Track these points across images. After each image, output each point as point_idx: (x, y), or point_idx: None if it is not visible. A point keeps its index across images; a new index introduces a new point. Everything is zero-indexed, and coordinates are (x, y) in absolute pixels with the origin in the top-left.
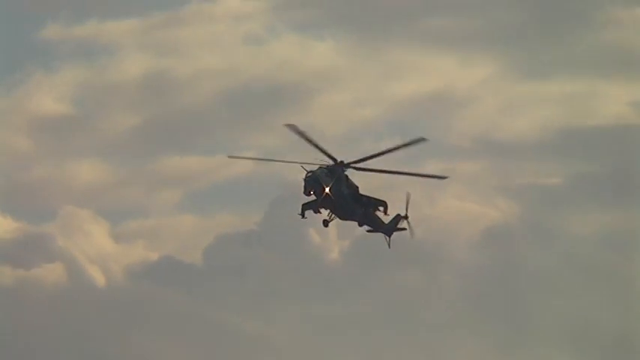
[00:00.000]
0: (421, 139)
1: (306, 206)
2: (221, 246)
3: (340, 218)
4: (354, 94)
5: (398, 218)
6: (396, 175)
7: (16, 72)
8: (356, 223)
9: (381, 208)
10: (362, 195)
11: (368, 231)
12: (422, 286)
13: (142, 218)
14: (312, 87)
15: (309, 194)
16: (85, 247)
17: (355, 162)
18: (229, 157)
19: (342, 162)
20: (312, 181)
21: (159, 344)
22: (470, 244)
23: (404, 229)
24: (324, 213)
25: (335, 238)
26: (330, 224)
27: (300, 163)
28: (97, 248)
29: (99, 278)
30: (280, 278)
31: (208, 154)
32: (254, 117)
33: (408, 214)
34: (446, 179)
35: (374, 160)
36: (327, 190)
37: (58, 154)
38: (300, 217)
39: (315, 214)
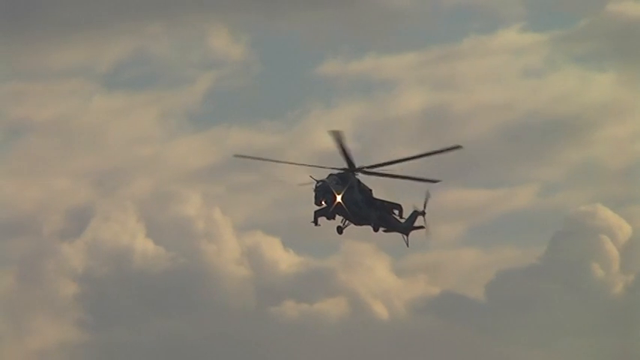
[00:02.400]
0: (457, 147)
1: (318, 213)
2: (503, 280)
3: (355, 224)
4: (635, 126)
5: (415, 215)
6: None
7: (295, 107)
8: (371, 228)
9: (396, 212)
10: (376, 199)
11: (384, 231)
12: None
13: (423, 252)
14: (592, 119)
15: (320, 204)
16: (367, 281)
17: (369, 167)
18: (235, 156)
19: (350, 167)
20: (323, 191)
21: None
22: None
23: (421, 227)
24: (338, 219)
25: (618, 272)
26: (344, 230)
27: (310, 165)
28: (379, 283)
29: (381, 312)
30: (564, 313)
31: (488, 187)
32: (533, 150)
33: (426, 211)
34: None
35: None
36: (338, 198)
37: None
38: (313, 224)
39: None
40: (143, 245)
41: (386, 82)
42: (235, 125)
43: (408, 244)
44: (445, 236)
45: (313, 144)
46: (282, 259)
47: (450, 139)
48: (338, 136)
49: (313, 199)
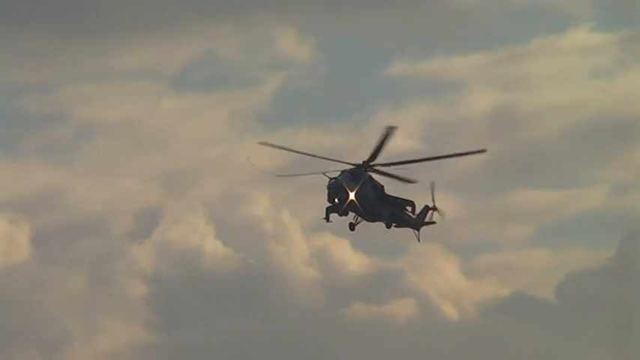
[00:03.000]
0: (482, 150)
1: (330, 209)
2: (573, 281)
3: (367, 221)
4: None
5: (426, 210)
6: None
7: (363, 108)
8: (384, 225)
9: (409, 208)
10: (388, 195)
11: (396, 226)
12: None
13: (492, 253)
14: None
15: (333, 202)
16: (436, 282)
17: (383, 164)
18: (260, 143)
19: (365, 162)
20: (336, 188)
21: None
22: None
23: (433, 222)
24: (350, 216)
25: None
26: (356, 227)
27: (324, 158)
28: (448, 284)
29: (451, 314)
30: (635, 314)
31: (558, 188)
32: (603, 151)
33: (436, 205)
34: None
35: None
36: (351, 195)
37: (406, 188)
38: (325, 220)
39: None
40: (212, 246)
41: (454, 83)
42: (304, 126)
43: (419, 240)
44: (515, 237)
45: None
46: (352, 260)
47: (518, 139)
48: (389, 132)
49: (326, 197)
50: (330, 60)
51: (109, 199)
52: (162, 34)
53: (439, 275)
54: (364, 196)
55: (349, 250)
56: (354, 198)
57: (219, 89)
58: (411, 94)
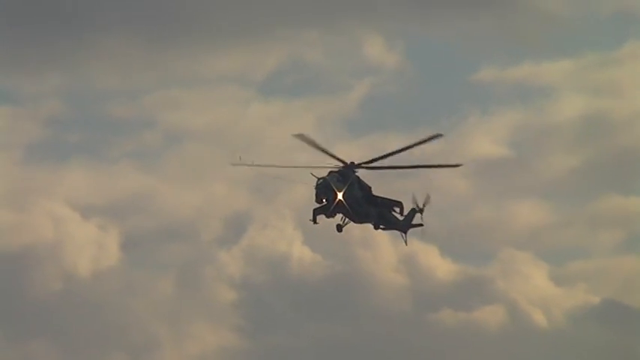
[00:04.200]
0: (438, 135)
1: (317, 211)
2: None
3: (355, 222)
4: None
5: (413, 212)
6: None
7: (452, 114)
8: (371, 226)
9: (397, 209)
10: (376, 196)
11: (383, 228)
12: None
13: (582, 260)
14: None
15: (321, 202)
16: (525, 289)
17: (366, 162)
18: (232, 164)
19: (352, 163)
20: (324, 188)
21: None
22: None
23: (420, 224)
24: (337, 217)
25: None
26: (343, 228)
27: (311, 167)
28: (537, 291)
29: (540, 321)
30: None
31: None
32: None
33: (424, 209)
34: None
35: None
36: (339, 196)
37: (496, 195)
38: (312, 222)
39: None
40: (300, 252)
41: (543, 89)
42: (392, 132)
43: (406, 243)
44: (605, 243)
45: (471, 151)
46: (440, 266)
47: (608, 145)
48: (304, 139)
49: (314, 197)
50: (417, 66)
51: (197, 204)
52: (250, 40)
53: (528, 282)
54: (352, 197)
55: (437, 257)
56: (342, 198)
57: (306, 95)
58: (500, 100)
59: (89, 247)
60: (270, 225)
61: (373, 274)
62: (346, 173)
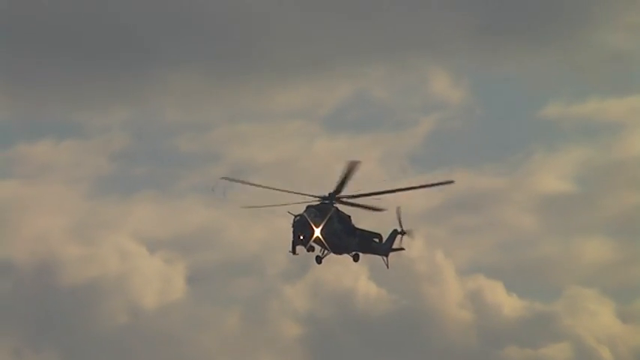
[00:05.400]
0: (449, 182)
1: (296, 242)
2: None
3: (334, 253)
4: None
5: (394, 235)
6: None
7: (518, 151)
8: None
9: (377, 240)
10: (356, 228)
11: (364, 252)
12: None
13: None
14: None
15: (299, 239)
16: (591, 326)
17: (349, 196)
18: (222, 178)
19: (331, 194)
20: (301, 226)
21: None
22: None
23: (401, 249)
24: (317, 249)
25: None
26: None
27: (293, 192)
28: (603, 328)
29: (606, 358)
30: None
31: None
32: None
33: (405, 230)
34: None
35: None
36: (317, 232)
37: (562, 232)
38: (291, 254)
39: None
40: (366, 287)
41: (610, 125)
42: (458, 168)
43: (388, 266)
44: None
45: (537, 187)
46: (505, 302)
47: None
48: (352, 166)
49: (292, 235)
50: (483, 102)
51: (263, 238)
52: (317, 75)
53: (595, 319)
54: (330, 231)
55: (503, 293)
56: (319, 235)
57: (372, 130)
58: (566, 137)
59: (155, 281)
60: (335, 259)
61: (439, 310)
62: (324, 208)
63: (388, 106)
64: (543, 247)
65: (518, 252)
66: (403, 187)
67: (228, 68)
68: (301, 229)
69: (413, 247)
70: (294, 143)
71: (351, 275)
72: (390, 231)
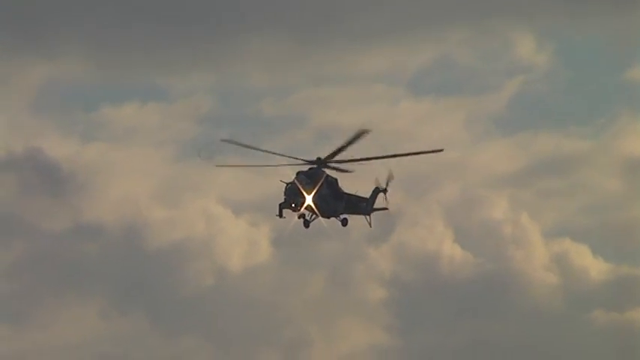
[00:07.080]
0: (439, 150)
1: (284, 205)
2: None
3: (322, 217)
4: None
5: (376, 193)
6: None
7: (603, 114)
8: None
9: (363, 204)
10: (344, 192)
11: (349, 214)
12: None
13: None
14: None
15: (290, 206)
16: None
17: (331, 159)
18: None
19: (319, 159)
20: (293, 194)
21: None
22: None
23: (385, 208)
24: (306, 213)
25: None
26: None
27: (282, 155)
28: None
29: None
30: None
31: None
32: None
33: (388, 189)
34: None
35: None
36: (308, 199)
37: None
38: (278, 217)
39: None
40: (450, 250)
41: None
42: (542, 131)
43: (370, 225)
44: None
45: (623, 150)
46: (592, 266)
47: None
48: (360, 135)
49: (283, 200)
50: (568, 64)
51: None
52: (399, 39)
53: None
54: (321, 197)
55: (589, 256)
56: (311, 202)
57: (455, 93)
58: None
59: (240, 244)
60: (420, 223)
61: (524, 273)
62: (314, 173)
63: (472, 70)
64: (629, 211)
65: (603, 215)
66: (391, 154)
67: (311, 33)
68: (293, 197)
69: (498, 209)
70: (378, 106)
71: (435, 239)
72: (372, 189)
